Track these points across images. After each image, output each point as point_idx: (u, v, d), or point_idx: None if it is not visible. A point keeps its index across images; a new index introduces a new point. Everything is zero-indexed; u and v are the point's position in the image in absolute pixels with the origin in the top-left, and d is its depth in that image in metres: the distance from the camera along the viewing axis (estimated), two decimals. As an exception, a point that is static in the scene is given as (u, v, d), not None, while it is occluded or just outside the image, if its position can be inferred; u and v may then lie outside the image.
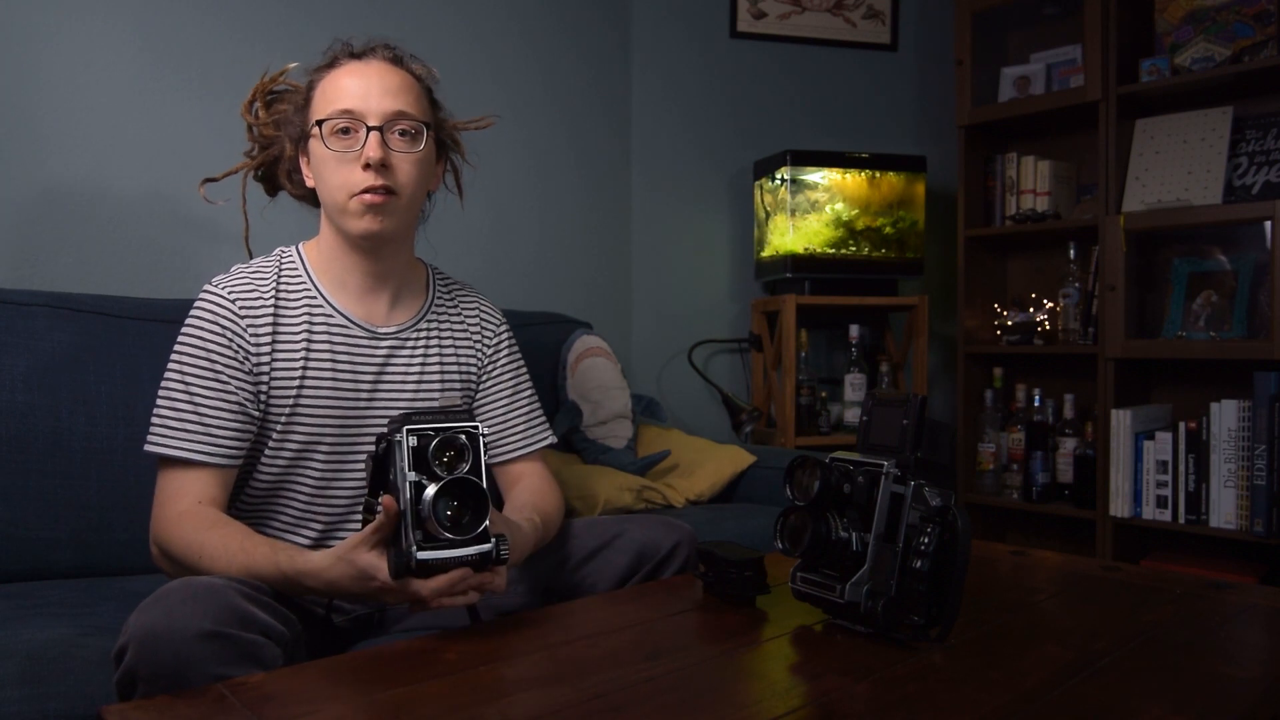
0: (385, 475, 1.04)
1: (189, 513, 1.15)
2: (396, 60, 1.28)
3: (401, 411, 1.09)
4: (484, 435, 1.06)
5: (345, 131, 1.22)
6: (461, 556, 1.01)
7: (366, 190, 1.21)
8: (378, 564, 1.01)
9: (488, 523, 1.01)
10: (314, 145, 1.25)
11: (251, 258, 1.36)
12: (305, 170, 1.30)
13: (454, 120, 1.39)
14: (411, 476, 1.00)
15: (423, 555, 0.99)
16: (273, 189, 1.42)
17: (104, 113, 1.92)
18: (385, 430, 1.05)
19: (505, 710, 0.82)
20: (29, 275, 1.83)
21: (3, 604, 1.30)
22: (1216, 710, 0.83)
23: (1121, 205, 2.52)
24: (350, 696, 0.86)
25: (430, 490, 0.99)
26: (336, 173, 1.23)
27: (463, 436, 1.03)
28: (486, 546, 1.02)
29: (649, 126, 2.77)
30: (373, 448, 1.22)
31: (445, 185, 1.42)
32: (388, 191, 1.22)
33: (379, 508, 1.00)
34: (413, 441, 1.01)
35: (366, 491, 1.07)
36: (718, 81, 2.84)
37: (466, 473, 1.01)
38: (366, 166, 1.21)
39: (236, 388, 1.21)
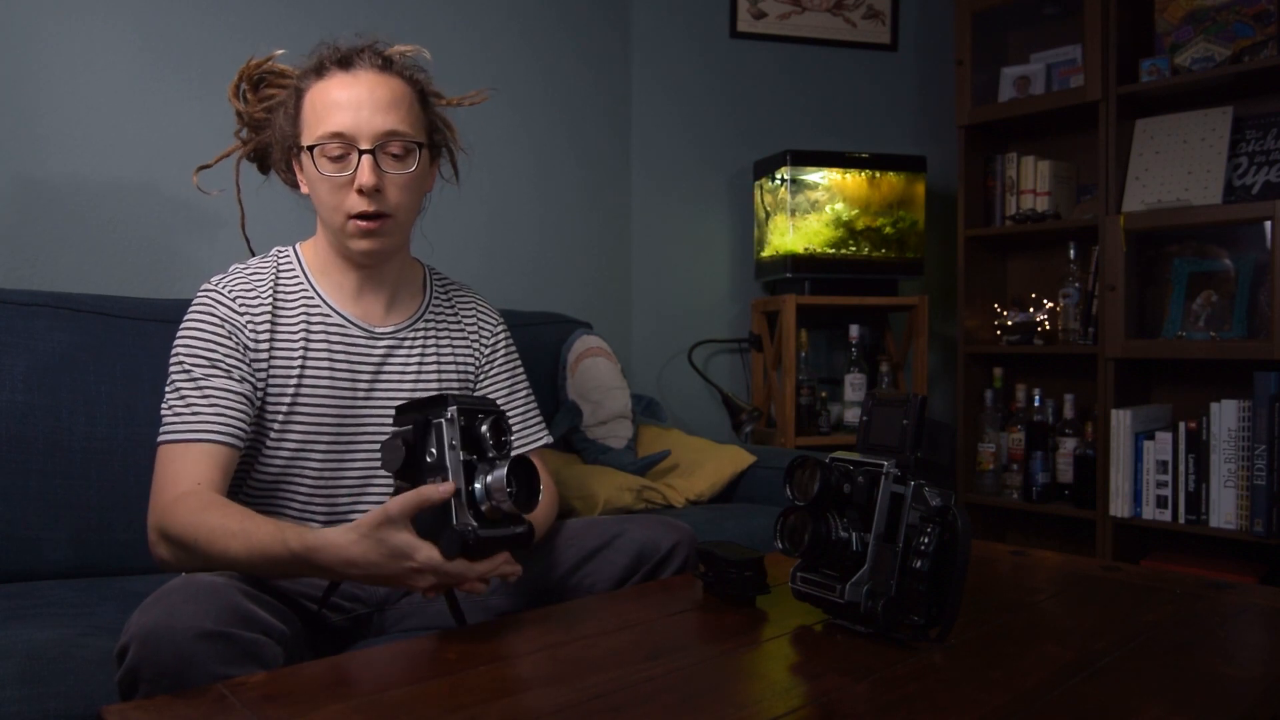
0: (420, 458, 1.03)
1: (190, 494, 1.14)
2: (385, 65, 1.26)
3: (434, 393, 1.10)
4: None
5: (337, 155, 1.21)
6: (508, 534, 1.02)
7: (361, 215, 1.22)
8: (415, 543, 0.98)
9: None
10: (307, 163, 1.25)
11: (249, 246, 1.36)
12: (299, 175, 1.30)
13: (447, 99, 1.39)
14: (464, 456, 1.01)
15: (485, 533, 0.99)
16: (265, 167, 1.41)
17: (104, 112, 1.92)
18: (409, 414, 1.05)
19: (505, 710, 0.82)
20: (29, 275, 1.83)
21: (3, 604, 1.30)
22: (1216, 710, 0.83)
23: (1121, 205, 2.52)
24: (350, 696, 0.85)
25: (499, 469, 1.00)
26: (330, 195, 1.23)
27: (505, 418, 1.06)
28: (523, 528, 1.04)
29: (649, 126, 2.77)
30: (375, 443, 1.22)
31: (441, 175, 1.41)
32: (382, 216, 1.23)
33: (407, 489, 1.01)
34: (463, 421, 1.02)
35: (395, 476, 1.06)
36: (718, 81, 2.84)
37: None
38: (360, 191, 1.21)
39: (240, 377, 1.21)
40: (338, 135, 1.21)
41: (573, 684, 0.87)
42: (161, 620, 0.89)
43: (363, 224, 1.22)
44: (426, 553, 0.98)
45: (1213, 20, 2.45)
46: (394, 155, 1.23)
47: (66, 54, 1.88)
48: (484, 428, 1.02)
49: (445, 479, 1.00)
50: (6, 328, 1.54)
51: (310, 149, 1.22)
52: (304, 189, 1.30)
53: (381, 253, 1.26)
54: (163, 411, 1.20)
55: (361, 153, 1.20)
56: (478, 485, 1.01)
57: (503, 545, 1.02)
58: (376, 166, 1.21)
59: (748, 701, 0.87)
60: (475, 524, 0.99)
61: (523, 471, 1.02)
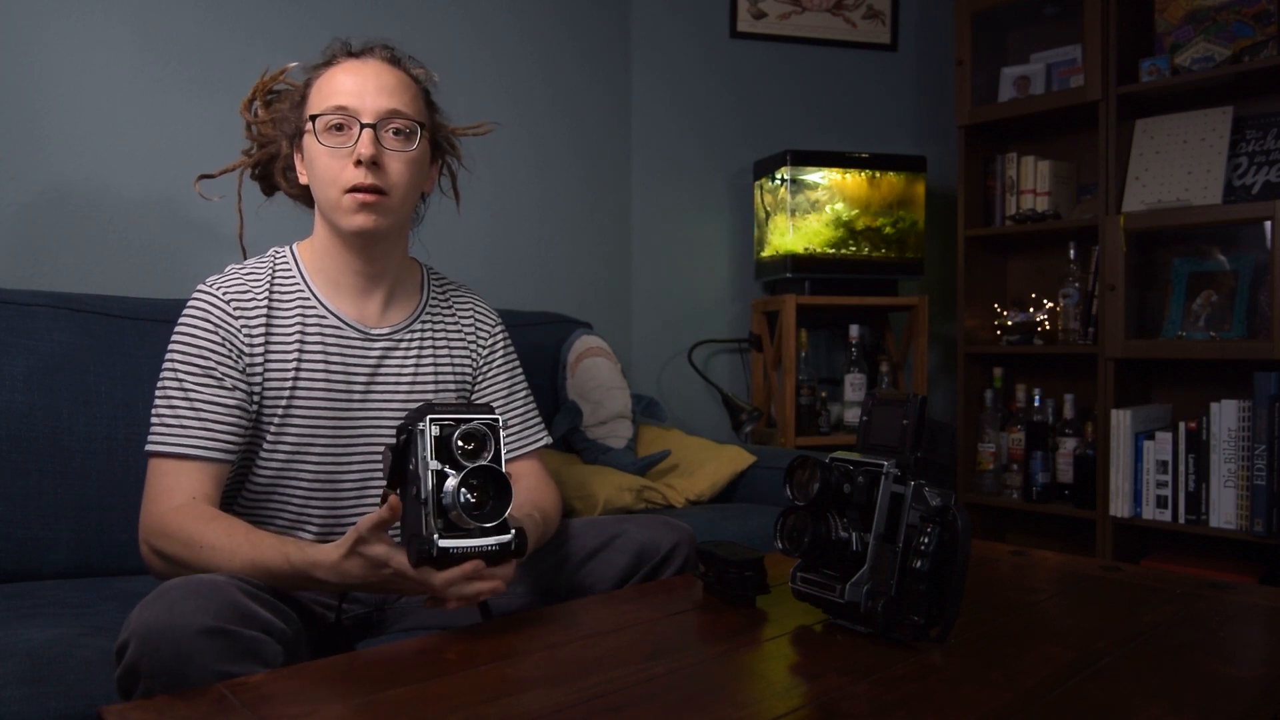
0: (405, 467, 1.04)
1: (185, 507, 1.14)
2: (394, 61, 1.28)
3: (419, 404, 1.09)
4: (503, 428, 1.07)
5: (339, 128, 1.22)
6: (481, 547, 1.01)
7: (357, 188, 1.21)
8: (390, 552, 1.01)
9: (509, 514, 1.02)
10: (308, 141, 1.25)
11: (246, 256, 1.36)
12: (300, 167, 1.30)
13: (452, 125, 1.39)
14: (434, 465, 1.01)
15: (444, 543, 0.99)
16: (269, 188, 1.42)
17: (104, 112, 1.92)
18: (404, 422, 1.05)
19: (505, 710, 0.82)
20: (29, 275, 1.83)
21: (3, 604, 1.30)
22: (1216, 710, 0.83)
23: (1121, 205, 2.52)
24: (350, 696, 0.85)
25: (453, 478, 1.00)
26: (329, 168, 1.23)
27: (484, 427, 1.04)
28: (507, 537, 1.03)
29: (649, 126, 2.77)
30: (379, 445, 1.21)
31: (440, 189, 1.41)
32: (379, 191, 1.22)
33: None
34: (435, 430, 1.02)
35: (386, 484, 1.07)
36: (718, 81, 2.84)
37: (489, 462, 1.02)
38: (358, 163, 1.21)
39: (232, 385, 1.21)
40: (341, 108, 1.22)
41: (573, 684, 0.87)
42: (162, 617, 0.89)
43: (359, 196, 1.22)
44: (398, 560, 1.01)
45: (1213, 20, 2.45)
46: (395, 134, 1.24)
47: (67, 54, 1.88)
48: (455, 437, 1.02)
49: (418, 489, 1.01)
50: (6, 328, 1.54)
51: (314, 120, 1.23)
52: (304, 179, 1.30)
53: (376, 232, 1.25)
54: (153, 416, 1.20)
55: (363, 126, 1.21)
56: (444, 495, 1.01)
57: (471, 556, 1.01)
58: (377, 141, 1.22)
59: (748, 701, 0.87)
60: (438, 535, 1.00)
61: (488, 480, 1.01)
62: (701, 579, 1.17)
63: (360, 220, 1.23)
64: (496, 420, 1.05)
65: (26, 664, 1.02)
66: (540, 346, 2.17)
